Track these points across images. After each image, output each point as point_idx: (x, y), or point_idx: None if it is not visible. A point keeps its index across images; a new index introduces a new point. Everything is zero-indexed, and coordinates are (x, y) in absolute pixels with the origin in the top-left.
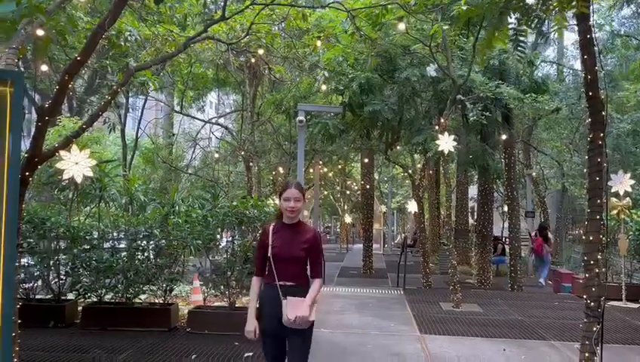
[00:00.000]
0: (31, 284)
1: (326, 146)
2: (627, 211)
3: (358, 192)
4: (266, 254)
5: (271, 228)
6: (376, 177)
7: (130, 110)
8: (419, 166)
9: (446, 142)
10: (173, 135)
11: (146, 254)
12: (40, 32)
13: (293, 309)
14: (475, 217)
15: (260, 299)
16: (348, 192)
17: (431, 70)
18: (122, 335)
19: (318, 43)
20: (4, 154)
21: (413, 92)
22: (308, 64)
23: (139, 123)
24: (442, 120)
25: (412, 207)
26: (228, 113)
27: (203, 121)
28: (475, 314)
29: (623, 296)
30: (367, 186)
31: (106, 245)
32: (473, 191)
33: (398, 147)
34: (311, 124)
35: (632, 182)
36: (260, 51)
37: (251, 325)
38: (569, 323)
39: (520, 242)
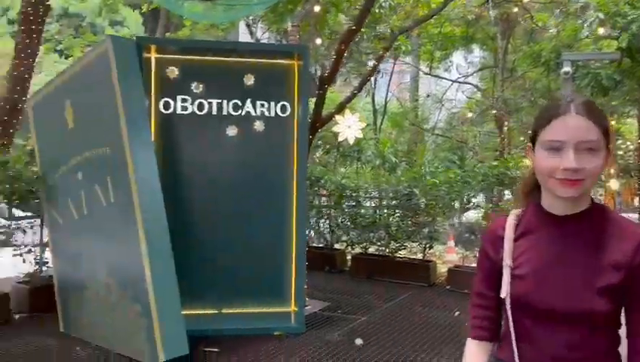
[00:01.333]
0: (308, 233)
1: (596, 100)
2: None
3: (629, 153)
4: (494, 290)
5: (510, 223)
6: None
7: (380, 75)
8: None
9: None
10: (417, 97)
11: (404, 212)
12: (317, 8)
13: None
14: None
15: None
16: (621, 152)
17: None
18: (386, 284)
19: None
20: (294, 120)
21: None
22: (576, 6)
23: (388, 87)
24: None
25: None
26: (475, 71)
27: (450, 80)
28: None
29: None
30: None
31: (369, 203)
32: None
33: None
34: (577, 75)
35: None
36: None
37: None
38: None
39: None
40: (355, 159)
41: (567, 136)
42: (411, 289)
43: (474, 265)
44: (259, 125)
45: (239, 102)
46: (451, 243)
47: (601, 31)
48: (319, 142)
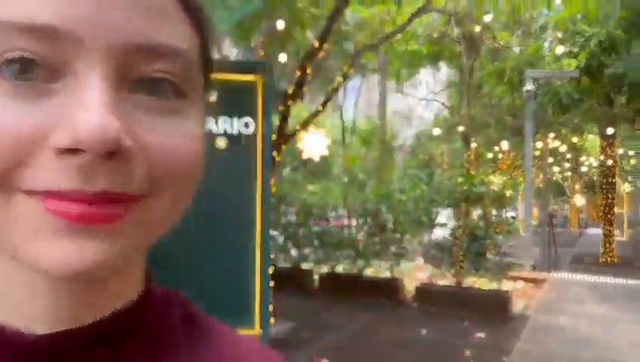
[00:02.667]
0: (273, 253)
1: (557, 118)
2: None
3: (592, 170)
4: None
5: None
6: (620, 151)
7: (348, 93)
8: None
9: None
10: (385, 114)
11: (372, 229)
12: (281, 25)
13: None
14: None
15: None
16: (584, 169)
17: None
18: (354, 303)
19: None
20: (257, 137)
21: None
22: (536, 26)
23: (356, 104)
24: None
25: None
26: (442, 89)
27: (418, 98)
28: None
29: None
30: (609, 162)
31: (336, 221)
32: None
33: None
34: (539, 93)
35: None
36: (487, 18)
37: None
38: None
39: None
40: (323, 176)
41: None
42: (379, 308)
43: (442, 282)
44: (221, 142)
45: None
46: (420, 260)
47: (560, 49)
48: (288, 158)
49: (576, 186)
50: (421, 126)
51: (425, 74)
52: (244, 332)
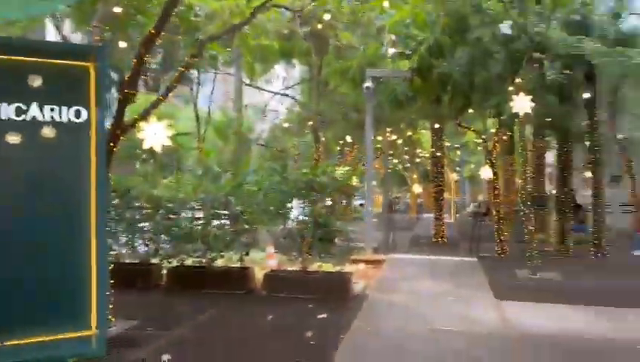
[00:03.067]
0: (119, 249)
1: (394, 114)
2: None
3: (428, 161)
4: None
5: None
6: (447, 144)
7: (201, 85)
8: (492, 131)
9: (521, 104)
10: (240, 107)
11: (222, 221)
12: (117, 10)
13: None
14: (554, 184)
15: None
16: (418, 160)
17: (505, 27)
18: (203, 296)
19: (386, 4)
20: (90, 126)
21: (486, 53)
22: (374, 28)
23: (210, 96)
24: (517, 80)
25: (485, 173)
26: (294, 85)
27: (271, 92)
28: (555, 281)
29: None
30: (438, 154)
31: (187, 213)
32: (551, 156)
33: (470, 111)
34: (378, 90)
35: None
36: (327, 16)
37: None
38: None
39: (605, 209)
40: (174, 169)
41: None
42: (228, 299)
43: (290, 268)
44: (48, 131)
45: (23, 106)
46: (271, 249)
47: (392, 51)
48: (138, 151)
49: (414, 176)
50: (276, 120)
51: (281, 69)
52: (78, 334)
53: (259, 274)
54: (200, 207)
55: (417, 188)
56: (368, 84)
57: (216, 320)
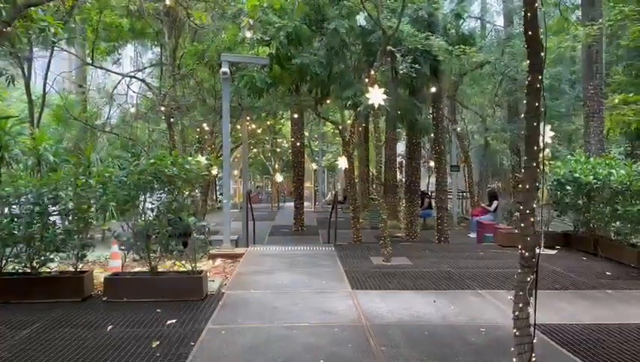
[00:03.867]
0: None
1: (254, 102)
2: (547, 162)
3: (289, 150)
4: None
5: None
6: (307, 134)
7: (37, 63)
8: (349, 122)
9: (376, 96)
10: (84, 89)
11: (51, 219)
12: None
13: None
14: (404, 172)
15: None
16: (279, 150)
17: (361, 18)
18: (27, 307)
19: None
20: None
21: (343, 44)
22: (231, 11)
23: (45, 76)
24: (372, 72)
25: (342, 163)
26: (146, 67)
27: (119, 74)
28: (405, 267)
29: (542, 243)
30: (298, 144)
31: (12, 210)
32: (402, 147)
33: (328, 101)
34: (236, 77)
35: (552, 134)
36: None
37: None
38: (494, 272)
39: (446, 195)
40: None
41: None
42: (59, 309)
43: (137, 269)
44: None
45: None
46: (115, 248)
47: (248, 35)
48: None
49: (277, 165)
50: (126, 105)
51: (131, 50)
52: None
53: (99, 277)
54: (19, 203)
55: (279, 178)
56: (225, 68)
57: (41, 335)
